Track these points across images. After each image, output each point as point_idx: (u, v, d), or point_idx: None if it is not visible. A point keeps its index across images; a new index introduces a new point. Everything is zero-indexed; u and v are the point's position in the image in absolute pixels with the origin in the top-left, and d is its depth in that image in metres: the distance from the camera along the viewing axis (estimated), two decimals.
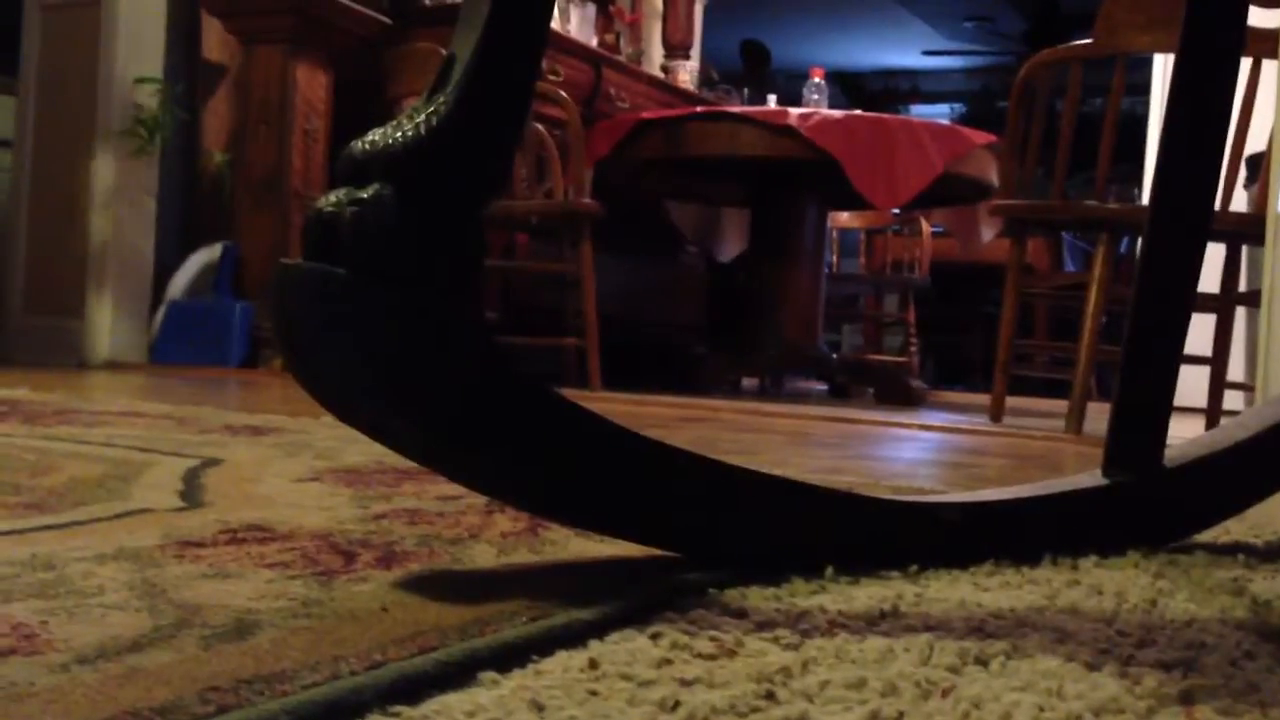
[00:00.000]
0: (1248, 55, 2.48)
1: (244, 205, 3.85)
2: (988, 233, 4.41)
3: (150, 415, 1.81)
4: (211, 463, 1.24)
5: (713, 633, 0.61)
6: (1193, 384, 2.45)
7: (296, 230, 3.62)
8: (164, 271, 3.84)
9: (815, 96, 4.43)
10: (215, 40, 3.99)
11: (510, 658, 0.54)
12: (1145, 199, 4.58)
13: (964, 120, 9.41)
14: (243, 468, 1.22)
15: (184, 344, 3.73)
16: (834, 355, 4.55)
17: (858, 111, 3.85)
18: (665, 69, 5.11)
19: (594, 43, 4.62)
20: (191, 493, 1.03)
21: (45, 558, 0.71)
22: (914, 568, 0.80)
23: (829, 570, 0.76)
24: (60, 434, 1.46)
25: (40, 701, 0.44)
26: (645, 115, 3.96)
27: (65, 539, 0.78)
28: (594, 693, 0.50)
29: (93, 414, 1.79)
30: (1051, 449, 2.27)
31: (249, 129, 3.87)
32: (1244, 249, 2.86)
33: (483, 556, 0.79)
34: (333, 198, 0.66)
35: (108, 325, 3.67)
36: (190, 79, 3.96)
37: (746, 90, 5.77)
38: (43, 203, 3.76)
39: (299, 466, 1.24)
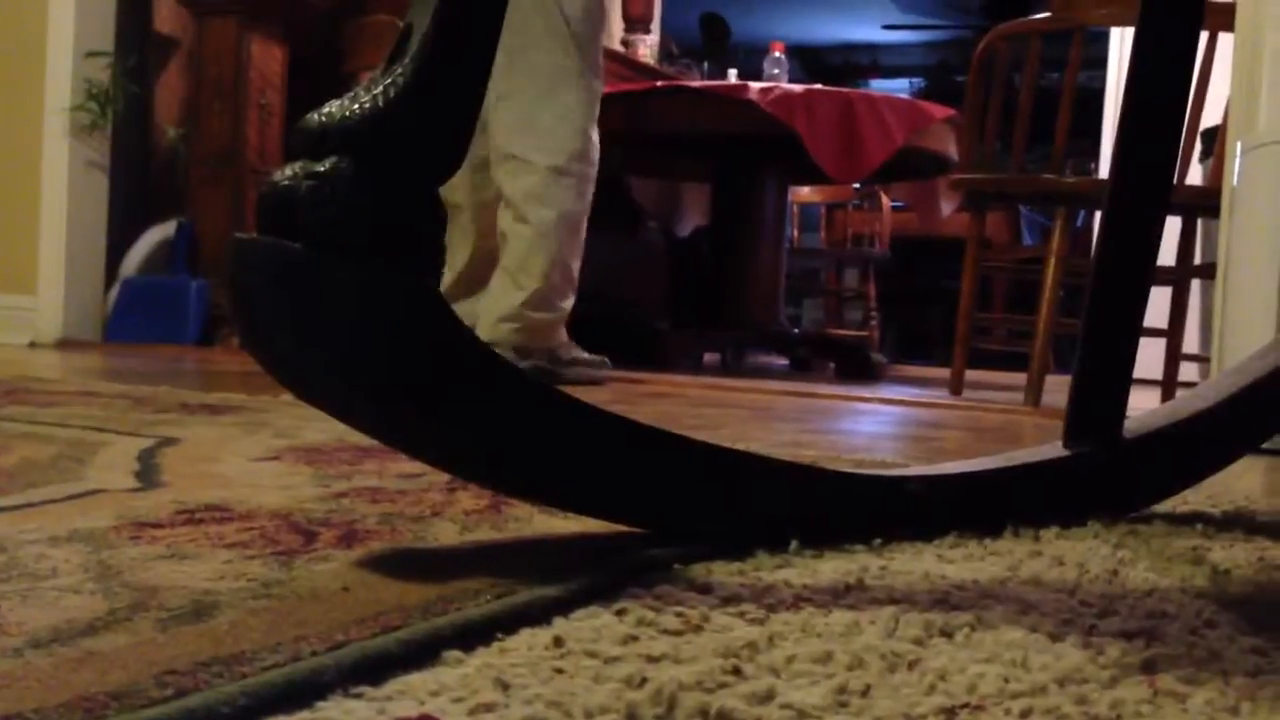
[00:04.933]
0: (1205, 29, 2.50)
1: (199, 180, 3.80)
2: (947, 206, 4.43)
3: (105, 394, 1.79)
4: (168, 442, 1.22)
5: (678, 608, 0.60)
6: (1149, 356, 2.47)
7: (252, 205, 3.58)
8: (117, 248, 3.78)
9: (775, 71, 4.42)
10: (167, 12, 3.92)
11: (474, 636, 0.54)
12: (1102, 173, 4.61)
13: (923, 94, 9.43)
14: (200, 447, 1.20)
15: (139, 322, 3.68)
16: (795, 330, 4.55)
17: (818, 86, 3.84)
18: (625, 43, 5.08)
19: None
20: (147, 473, 1.01)
21: None
22: (878, 541, 0.80)
23: (794, 544, 0.76)
24: (12, 414, 1.43)
25: None
26: (605, 90, 3.93)
27: (17, 521, 0.77)
28: (560, 670, 0.50)
29: (46, 394, 1.76)
30: (1011, 421, 2.29)
31: (203, 103, 3.81)
32: (1199, 222, 2.89)
33: (445, 534, 0.79)
34: (288, 171, 0.64)
35: (60, 303, 3.61)
36: (142, 52, 3.88)
37: (706, 65, 5.75)
38: None
39: (258, 445, 1.23)
